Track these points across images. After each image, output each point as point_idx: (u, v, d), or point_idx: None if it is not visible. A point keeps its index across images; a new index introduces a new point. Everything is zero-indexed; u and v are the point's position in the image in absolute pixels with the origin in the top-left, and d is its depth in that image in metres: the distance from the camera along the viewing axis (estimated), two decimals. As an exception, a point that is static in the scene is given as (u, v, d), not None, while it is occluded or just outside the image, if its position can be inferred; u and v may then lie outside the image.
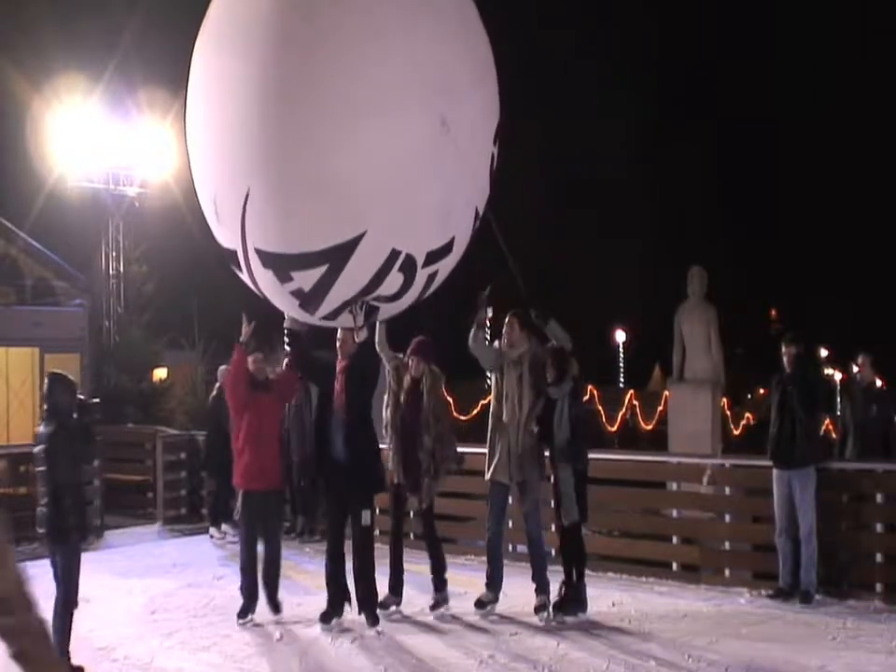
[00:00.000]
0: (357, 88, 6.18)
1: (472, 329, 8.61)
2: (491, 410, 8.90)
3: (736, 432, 43.17)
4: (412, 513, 8.96)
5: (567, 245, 54.50)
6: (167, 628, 8.54)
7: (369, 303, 6.85)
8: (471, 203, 6.91)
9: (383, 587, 8.58)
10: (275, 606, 8.71)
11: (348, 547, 8.41)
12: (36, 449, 7.32)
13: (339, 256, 6.40)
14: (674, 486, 10.72)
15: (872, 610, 8.86)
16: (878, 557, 9.31)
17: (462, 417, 29.24)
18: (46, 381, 7.58)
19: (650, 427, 42.38)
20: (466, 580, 9.47)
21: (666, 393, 20.72)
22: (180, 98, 21.79)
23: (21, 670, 2.92)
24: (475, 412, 31.10)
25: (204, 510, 14.19)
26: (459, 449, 9.00)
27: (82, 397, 7.78)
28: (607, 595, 9.38)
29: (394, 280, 6.66)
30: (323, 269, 6.44)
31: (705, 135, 68.68)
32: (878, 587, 9.18)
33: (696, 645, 7.84)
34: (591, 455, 9.21)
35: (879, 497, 9.35)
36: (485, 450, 8.82)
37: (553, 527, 8.91)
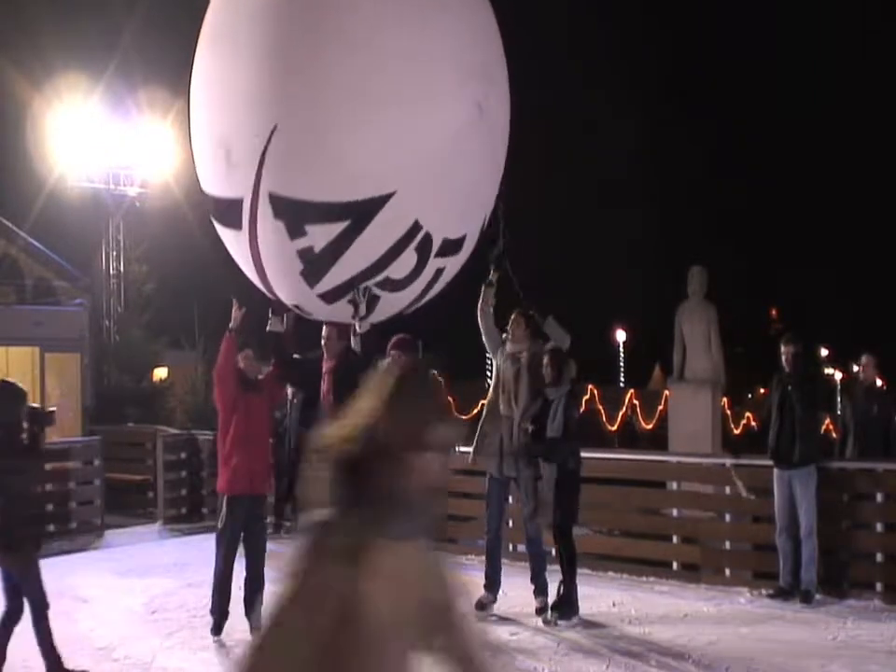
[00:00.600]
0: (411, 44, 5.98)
1: (482, 293, 8.47)
2: (488, 397, 8.89)
3: (737, 432, 43.19)
4: None
5: (568, 245, 54.54)
6: (168, 628, 8.54)
7: (371, 291, 6.46)
8: (485, 205, 6.82)
9: None
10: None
11: None
12: None
13: (363, 213, 5.94)
14: (674, 486, 10.72)
15: (872, 610, 8.87)
16: (878, 557, 9.32)
17: (462, 417, 29.23)
18: None
19: (650, 427, 42.39)
20: (466, 579, 9.47)
21: (667, 392, 20.73)
22: (181, 98, 21.82)
23: None
24: (475, 411, 31.11)
25: (205, 508, 14.20)
26: (462, 449, 8.98)
27: (35, 405, 7.72)
28: (607, 595, 9.38)
29: (407, 260, 6.27)
30: (342, 226, 5.96)
31: (705, 135, 68.70)
32: (878, 586, 9.19)
33: (697, 644, 7.85)
34: (592, 455, 9.23)
35: (879, 497, 9.36)
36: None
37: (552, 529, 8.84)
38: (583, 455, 8.87)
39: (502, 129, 6.79)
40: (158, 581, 10.32)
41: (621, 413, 43.08)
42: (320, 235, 6.03)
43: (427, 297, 6.85)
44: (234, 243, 6.47)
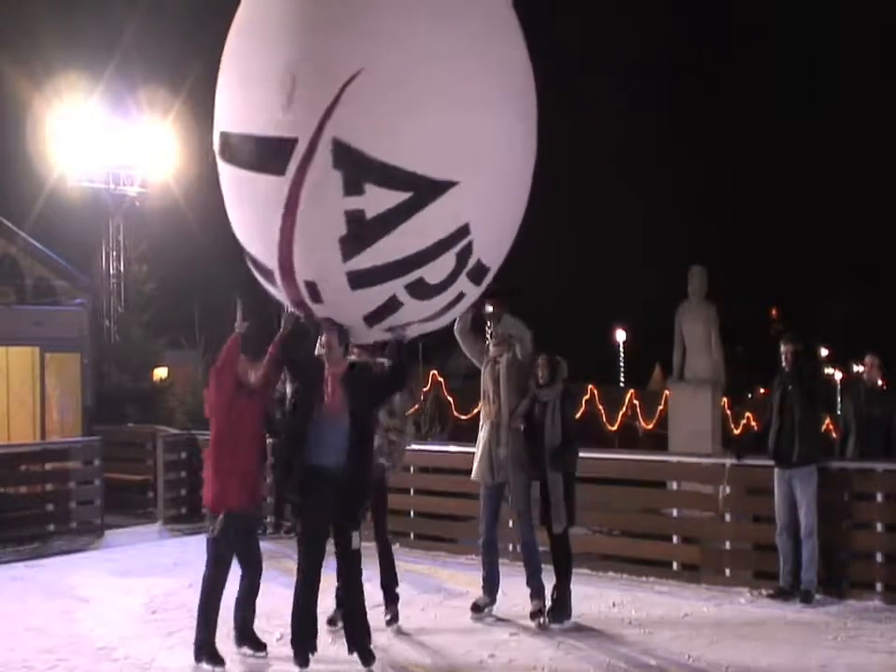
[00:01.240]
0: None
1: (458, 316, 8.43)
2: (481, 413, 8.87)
3: (737, 431, 43.19)
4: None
5: (568, 245, 54.53)
6: (168, 628, 8.53)
7: (399, 330, 6.21)
8: (508, 244, 6.46)
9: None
10: (257, 641, 7.74)
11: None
12: None
13: (425, 191, 5.46)
14: (674, 486, 10.72)
15: (872, 610, 8.87)
16: (879, 557, 9.31)
17: (462, 417, 29.24)
18: None
19: (650, 427, 42.40)
20: (466, 579, 9.48)
21: (667, 392, 20.74)
22: (180, 97, 21.86)
23: None
24: (475, 411, 31.12)
25: (205, 508, 14.20)
26: (463, 449, 8.97)
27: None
28: (607, 595, 9.38)
29: (444, 265, 5.77)
30: (402, 197, 5.44)
31: (706, 135, 68.71)
32: (878, 586, 9.18)
33: (697, 645, 7.84)
34: (592, 455, 9.22)
35: (879, 497, 9.36)
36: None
37: (547, 531, 8.71)
38: (584, 455, 8.86)
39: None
40: (158, 580, 10.32)
41: (621, 414, 43.10)
42: (377, 200, 5.41)
43: (438, 321, 6.39)
44: (262, 193, 5.64)
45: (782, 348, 9.48)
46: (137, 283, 21.01)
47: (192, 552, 11.91)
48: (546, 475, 8.36)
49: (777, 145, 73.68)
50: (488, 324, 8.63)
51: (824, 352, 54.08)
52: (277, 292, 6.32)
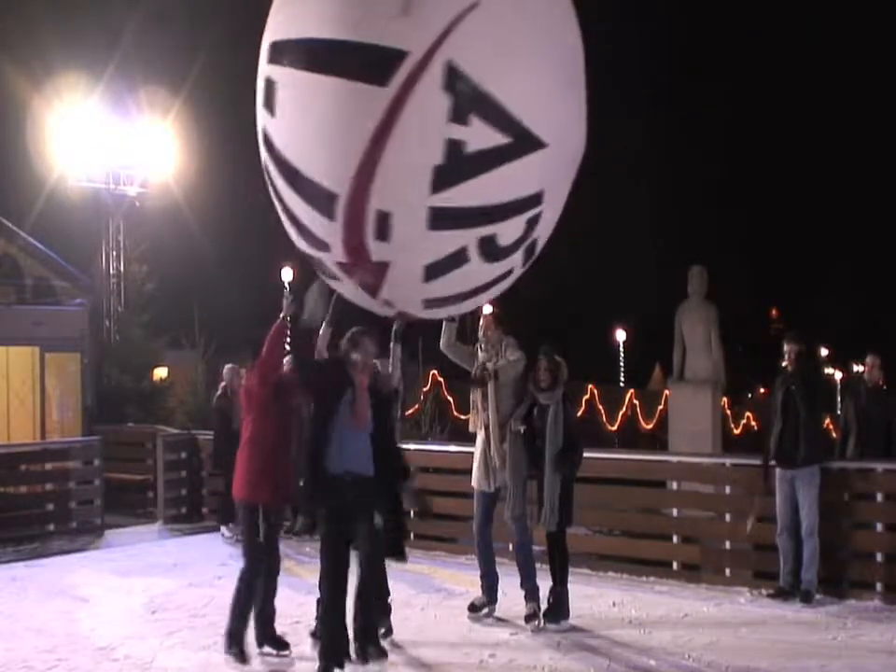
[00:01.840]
0: None
1: (444, 329, 8.35)
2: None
3: (737, 431, 43.20)
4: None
5: (568, 245, 54.48)
6: (168, 628, 8.54)
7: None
8: (550, 231, 6.14)
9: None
10: (279, 640, 7.75)
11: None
12: None
13: (523, 141, 5.18)
14: (674, 485, 10.72)
15: (872, 610, 8.87)
16: (879, 557, 9.31)
17: (462, 416, 29.24)
18: None
19: (650, 427, 42.43)
20: (466, 579, 9.48)
21: (667, 392, 20.76)
22: (181, 97, 21.87)
23: None
24: (475, 411, 31.07)
25: (205, 508, 14.22)
26: (462, 449, 8.96)
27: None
28: (607, 595, 9.38)
29: (516, 228, 5.50)
30: (503, 141, 5.12)
31: (706, 134, 68.74)
32: (878, 586, 9.18)
33: (697, 644, 7.85)
34: (592, 455, 9.20)
35: (879, 497, 9.36)
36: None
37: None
38: (584, 455, 8.84)
39: None
40: (158, 580, 10.32)
41: (621, 413, 43.12)
42: (480, 136, 5.05)
43: (480, 296, 6.00)
44: (349, 103, 5.15)
45: (785, 347, 9.45)
46: (137, 283, 21.02)
47: (192, 551, 11.94)
48: (544, 476, 8.34)
49: (778, 145, 73.73)
50: (479, 332, 8.58)
51: (824, 352, 54.09)
52: (323, 230, 5.47)
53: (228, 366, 13.64)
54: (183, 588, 9.96)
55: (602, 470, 10.49)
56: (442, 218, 5.22)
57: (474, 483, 8.69)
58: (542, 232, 5.79)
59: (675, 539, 10.43)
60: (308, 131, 5.31)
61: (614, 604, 9.14)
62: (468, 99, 5.00)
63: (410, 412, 21.27)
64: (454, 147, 5.02)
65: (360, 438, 7.02)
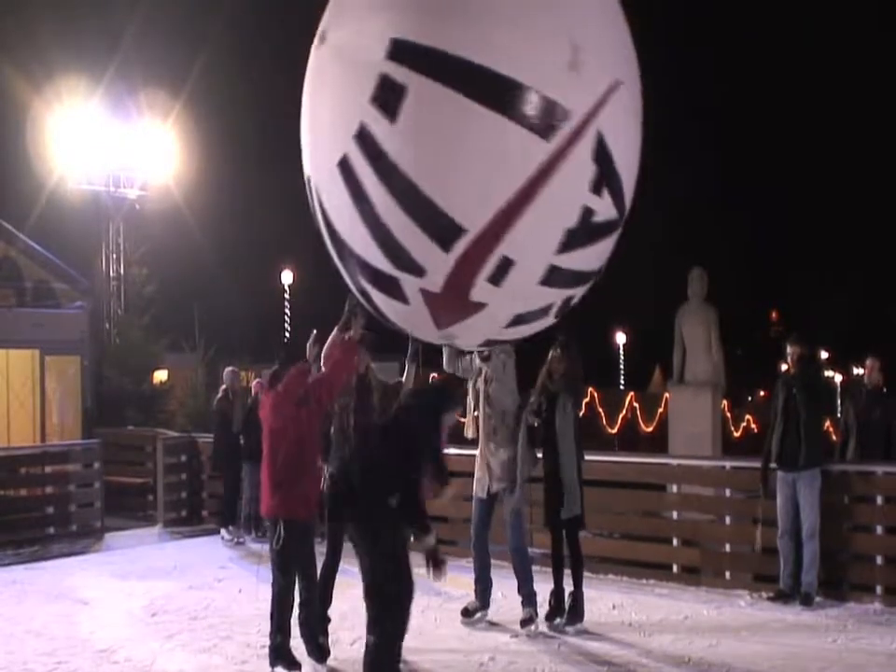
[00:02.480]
0: None
1: (445, 355, 8.26)
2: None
3: (737, 434, 43.18)
4: None
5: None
6: (168, 630, 8.53)
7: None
8: None
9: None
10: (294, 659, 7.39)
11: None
12: None
13: (622, 222, 5.44)
14: (674, 488, 10.71)
15: (872, 613, 8.86)
16: (879, 559, 9.31)
17: (461, 420, 29.22)
18: None
19: (650, 429, 42.43)
20: (466, 581, 9.45)
21: (667, 395, 20.75)
22: (180, 100, 21.88)
23: None
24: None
25: (205, 511, 14.22)
26: (463, 452, 8.94)
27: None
28: (607, 597, 9.38)
29: (582, 292, 5.67)
30: (615, 216, 5.37)
31: (707, 137, 68.77)
32: (878, 589, 9.18)
33: (696, 647, 7.84)
34: (592, 458, 9.20)
35: (879, 499, 9.35)
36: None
37: (551, 533, 8.64)
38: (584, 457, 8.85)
39: None
40: (158, 583, 10.32)
41: (621, 416, 43.12)
42: (605, 208, 5.33)
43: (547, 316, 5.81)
44: (506, 143, 5.03)
45: (788, 349, 9.42)
46: (137, 285, 21.05)
47: (192, 554, 11.93)
48: (560, 464, 8.30)
49: (778, 147, 73.77)
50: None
51: (824, 354, 54.08)
52: (428, 257, 5.23)
53: (228, 369, 13.66)
54: (183, 591, 9.96)
55: (602, 473, 10.48)
56: (555, 276, 5.30)
57: (475, 488, 8.68)
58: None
59: (675, 541, 10.43)
60: (446, 157, 5.05)
61: (614, 606, 9.13)
62: (606, 173, 5.10)
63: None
64: (587, 214, 5.12)
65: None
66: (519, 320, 5.55)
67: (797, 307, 62.50)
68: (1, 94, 23.13)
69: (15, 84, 21.61)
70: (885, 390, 10.30)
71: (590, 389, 40.04)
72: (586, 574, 8.75)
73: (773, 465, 9.35)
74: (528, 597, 8.43)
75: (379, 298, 5.52)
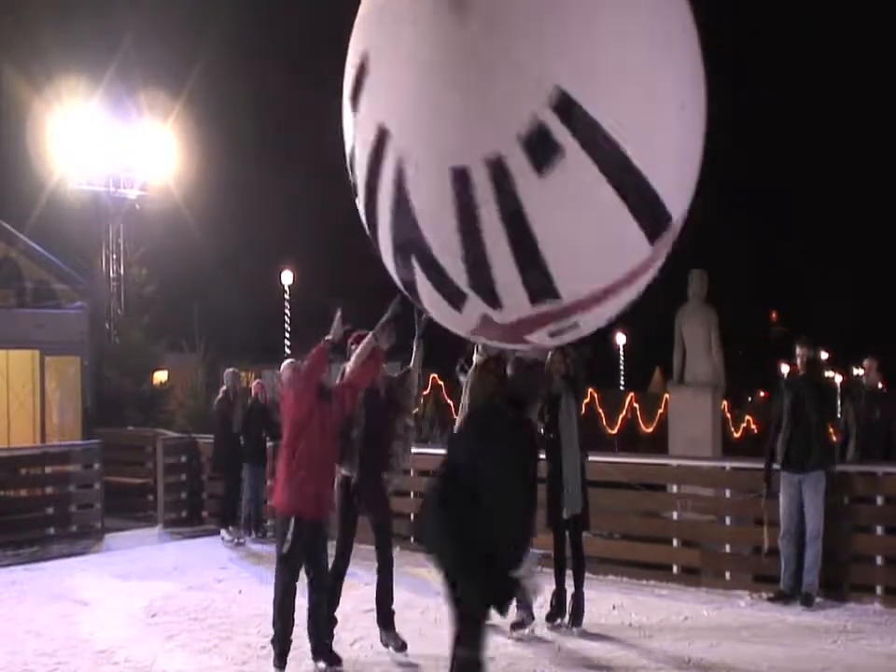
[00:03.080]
0: None
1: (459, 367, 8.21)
2: None
3: (737, 435, 43.17)
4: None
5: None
6: (168, 631, 8.54)
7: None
8: None
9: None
10: (333, 656, 7.54)
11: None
12: None
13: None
14: (674, 489, 10.71)
15: (872, 613, 8.86)
16: (879, 560, 9.31)
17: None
18: None
19: (650, 430, 42.42)
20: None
21: (667, 396, 20.75)
22: (180, 100, 21.87)
23: None
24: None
25: (205, 511, 14.22)
26: None
27: None
28: (607, 598, 9.38)
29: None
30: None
31: (706, 136, 68.57)
32: (878, 589, 9.18)
33: (696, 648, 7.84)
34: (592, 459, 9.19)
35: (879, 500, 9.36)
36: None
37: (554, 534, 8.58)
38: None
39: None
40: (158, 584, 10.32)
41: (621, 417, 43.10)
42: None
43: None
44: (629, 235, 5.19)
45: (798, 351, 9.35)
46: (137, 286, 21.03)
47: (192, 555, 11.94)
48: (563, 460, 8.29)
49: (778, 148, 73.79)
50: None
51: (824, 354, 54.09)
52: (517, 304, 5.29)
53: (229, 370, 13.66)
54: (183, 591, 9.96)
55: (603, 474, 10.47)
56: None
57: None
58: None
59: (675, 542, 10.43)
60: (575, 230, 5.06)
61: (614, 607, 9.13)
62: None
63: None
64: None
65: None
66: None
67: (797, 307, 62.53)
68: (1, 94, 23.16)
69: (15, 84, 21.62)
70: (884, 390, 10.31)
71: (590, 390, 40.04)
72: (586, 575, 8.74)
73: (776, 466, 9.34)
74: (524, 601, 8.36)
75: (428, 289, 5.37)
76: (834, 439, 10.61)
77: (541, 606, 8.49)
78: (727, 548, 10.18)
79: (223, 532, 12.78)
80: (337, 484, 7.68)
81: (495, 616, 8.52)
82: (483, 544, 5.39)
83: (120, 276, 20.62)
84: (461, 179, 4.74)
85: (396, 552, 8.81)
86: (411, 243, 5.13)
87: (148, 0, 26.58)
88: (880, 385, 10.35)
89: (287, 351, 28.05)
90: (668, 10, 5.16)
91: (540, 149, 4.73)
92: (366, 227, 5.28)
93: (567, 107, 4.72)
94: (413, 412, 8.48)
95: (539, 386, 6.91)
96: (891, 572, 9.23)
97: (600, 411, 41.12)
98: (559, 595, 8.49)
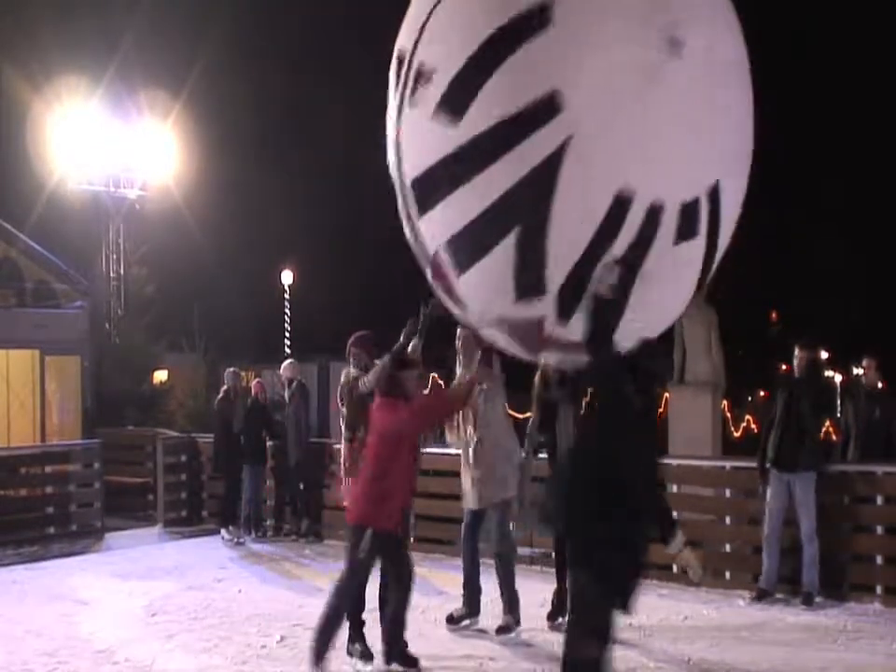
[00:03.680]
0: None
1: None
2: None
3: (737, 434, 43.11)
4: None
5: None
6: (168, 630, 8.53)
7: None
8: None
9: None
10: (409, 657, 7.47)
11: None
12: None
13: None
14: (674, 488, 10.70)
15: (872, 613, 8.86)
16: (879, 560, 9.31)
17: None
18: None
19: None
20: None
21: (667, 395, 20.73)
22: (180, 100, 21.88)
23: None
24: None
25: (205, 511, 14.22)
26: (460, 452, 8.89)
27: None
28: (607, 598, 9.36)
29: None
30: None
31: (705, 138, 68.54)
32: (878, 589, 9.18)
33: (697, 647, 7.84)
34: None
35: (879, 500, 9.35)
36: None
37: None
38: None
39: None
40: (158, 583, 10.32)
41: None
42: None
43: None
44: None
45: (797, 353, 9.35)
46: (137, 285, 21.06)
47: (192, 554, 11.94)
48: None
49: (777, 148, 73.72)
50: (458, 350, 8.33)
51: (824, 354, 54.09)
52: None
53: (229, 369, 13.66)
54: (183, 591, 9.96)
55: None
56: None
57: (464, 502, 8.62)
58: None
59: (675, 542, 10.40)
60: (667, 295, 6.22)
61: (614, 607, 9.11)
62: None
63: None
64: None
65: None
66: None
67: (797, 307, 62.48)
68: (1, 94, 23.17)
69: (15, 84, 21.64)
70: (885, 390, 10.31)
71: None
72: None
73: (767, 465, 9.35)
74: (510, 604, 8.26)
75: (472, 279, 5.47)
76: (834, 438, 10.62)
77: (542, 605, 8.50)
78: (727, 548, 10.17)
79: (223, 532, 12.78)
80: None
81: (498, 610, 8.60)
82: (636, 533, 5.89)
83: (120, 276, 20.64)
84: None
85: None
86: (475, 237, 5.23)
87: (148, 0, 26.55)
88: (880, 385, 10.34)
89: (288, 351, 28.15)
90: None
91: (687, 227, 5.56)
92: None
93: (718, 195, 5.67)
94: None
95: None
96: (891, 572, 9.23)
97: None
98: (560, 593, 8.47)
